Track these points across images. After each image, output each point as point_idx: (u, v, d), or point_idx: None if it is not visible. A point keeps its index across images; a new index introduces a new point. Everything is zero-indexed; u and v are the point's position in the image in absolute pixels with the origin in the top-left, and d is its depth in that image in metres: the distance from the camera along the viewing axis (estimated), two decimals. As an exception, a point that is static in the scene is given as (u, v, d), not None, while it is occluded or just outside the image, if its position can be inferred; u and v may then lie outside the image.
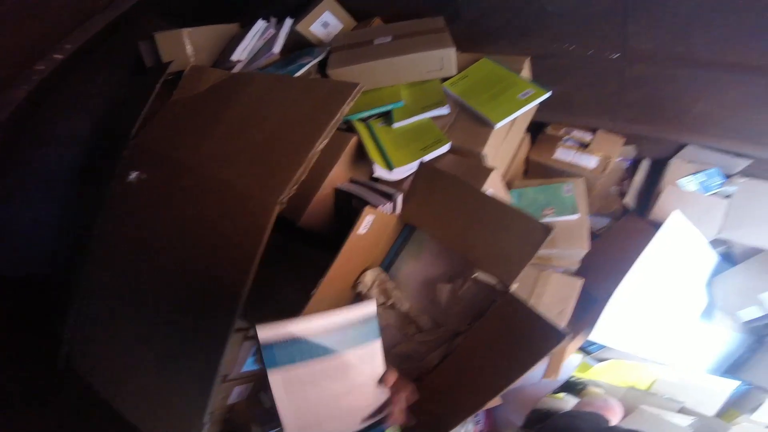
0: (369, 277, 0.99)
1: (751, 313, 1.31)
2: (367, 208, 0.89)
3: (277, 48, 1.39)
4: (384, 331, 0.99)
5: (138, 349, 1.13)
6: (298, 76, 1.23)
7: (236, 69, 1.40)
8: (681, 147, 1.46)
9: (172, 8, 1.73)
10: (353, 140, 1.07)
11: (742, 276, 1.35)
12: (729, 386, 1.36)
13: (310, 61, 1.28)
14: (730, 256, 1.42)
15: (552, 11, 1.22)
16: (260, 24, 1.50)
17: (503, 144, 1.22)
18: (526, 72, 1.29)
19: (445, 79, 1.26)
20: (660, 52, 1.20)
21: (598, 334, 1.25)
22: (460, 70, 1.27)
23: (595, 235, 1.52)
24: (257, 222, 0.96)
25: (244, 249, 0.96)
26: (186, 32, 1.47)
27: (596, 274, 1.37)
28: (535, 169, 1.52)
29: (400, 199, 1.01)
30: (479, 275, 0.88)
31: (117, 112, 1.49)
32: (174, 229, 1.10)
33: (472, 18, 1.36)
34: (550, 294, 1.25)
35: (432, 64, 1.23)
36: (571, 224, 1.29)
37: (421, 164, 0.86)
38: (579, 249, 1.28)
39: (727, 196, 1.41)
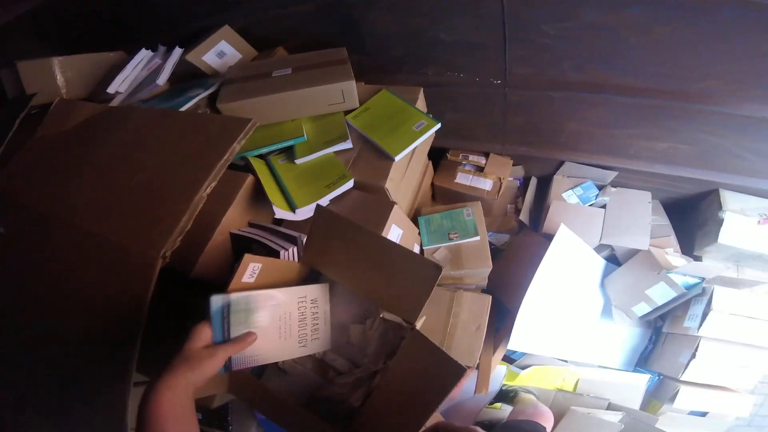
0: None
1: (643, 308, 1.38)
2: (246, 256, 0.75)
3: (163, 79, 1.20)
4: (302, 377, 0.89)
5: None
6: (184, 111, 1.06)
7: (114, 102, 1.18)
8: (560, 164, 1.55)
9: (52, 30, 1.46)
10: (249, 180, 0.93)
11: (627, 276, 1.43)
12: (642, 379, 1.42)
13: (200, 94, 1.11)
14: (615, 259, 1.50)
15: (444, 39, 1.21)
16: (143, 53, 1.29)
17: (405, 174, 1.15)
18: (421, 102, 1.25)
19: (347, 112, 1.17)
20: (535, 77, 1.24)
21: (515, 342, 1.27)
22: (363, 101, 1.19)
23: (499, 251, 1.56)
24: (139, 279, 0.78)
25: (129, 308, 0.77)
26: (56, 61, 1.21)
27: (506, 287, 1.41)
28: (441, 194, 1.51)
29: (303, 241, 0.90)
30: (386, 314, 0.83)
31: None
32: (45, 293, 0.87)
33: (375, 48, 1.31)
34: (466, 312, 1.23)
35: (333, 97, 1.13)
36: (475, 245, 1.29)
37: (318, 208, 0.77)
38: (484, 267, 1.28)
39: (603, 206, 1.51)
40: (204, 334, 0.64)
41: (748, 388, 1.36)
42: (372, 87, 1.26)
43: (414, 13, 1.18)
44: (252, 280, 0.80)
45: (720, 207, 1.41)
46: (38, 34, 1.42)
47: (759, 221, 1.38)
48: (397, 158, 1.05)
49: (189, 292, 0.94)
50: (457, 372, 0.66)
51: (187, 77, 1.26)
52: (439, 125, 1.12)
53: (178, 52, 1.29)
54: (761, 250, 1.38)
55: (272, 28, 1.37)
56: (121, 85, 1.22)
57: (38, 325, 0.86)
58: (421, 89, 1.25)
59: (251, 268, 0.77)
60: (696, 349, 1.29)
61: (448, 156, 1.56)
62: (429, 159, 1.42)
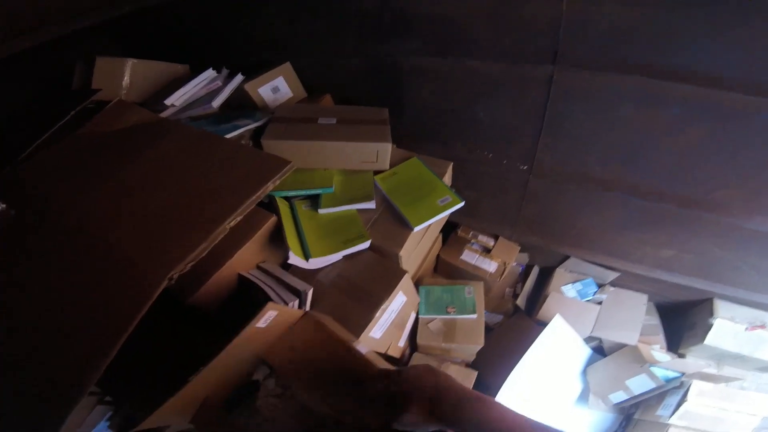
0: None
1: (619, 396, 1.36)
2: (270, 304, 0.71)
3: (218, 102, 1.18)
4: (278, 423, 0.80)
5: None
6: (228, 138, 1.02)
7: (165, 113, 1.15)
8: (565, 258, 1.50)
9: (133, 38, 1.49)
10: (271, 220, 0.87)
11: (610, 366, 1.40)
12: None
13: (248, 125, 1.07)
14: (600, 350, 1.47)
15: (482, 118, 1.19)
16: (209, 73, 1.27)
17: (419, 245, 1.09)
18: (448, 176, 1.21)
19: (377, 172, 1.13)
20: (560, 167, 1.21)
21: None
22: (393, 165, 1.15)
23: (489, 329, 1.49)
24: (137, 295, 0.72)
25: (116, 320, 0.71)
26: (130, 62, 1.21)
27: (491, 365, 1.36)
28: (444, 267, 1.44)
29: (309, 294, 0.84)
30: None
31: (16, 126, 1.17)
32: (33, 282, 0.81)
33: (412, 114, 1.28)
34: None
35: (368, 155, 1.09)
36: (470, 323, 1.23)
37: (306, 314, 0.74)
38: (475, 345, 1.22)
39: (599, 303, 1.47)
40: None
41: None
42: (403, 152, 1.22)
43: (456, 91, 1.17)
44: (265, 326, 0.75)
45: (711, 314, 1.40)
46: (121, 41, 1.45)
47: (747, 328, 1.37)
48: (416, 229, 1.00)
49: (176, 319, 0.88)
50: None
51: (238, 106, 1.23)
52: (462, 204, 1.06)
53: (239, 78, 1.27)
54: (744, 352, 1.37)
55: (325, 76, 1.36)
56: (179, 99, 1.19)
57: (23, 313, 0.80)
58: (451, 164, 1.20)
59: (268, 315, 0.72)
60: None
61: (458, 232, 1.50)
62: (440, 231, 1.37)
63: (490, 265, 1.41)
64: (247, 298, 0.85)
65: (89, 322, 0.74)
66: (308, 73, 1.36)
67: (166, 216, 0.82)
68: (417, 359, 1.23)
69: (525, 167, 1.26)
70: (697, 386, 1.26)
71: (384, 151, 1.09)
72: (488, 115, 1.19)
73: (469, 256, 1.43)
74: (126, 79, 1.23)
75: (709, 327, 1.38)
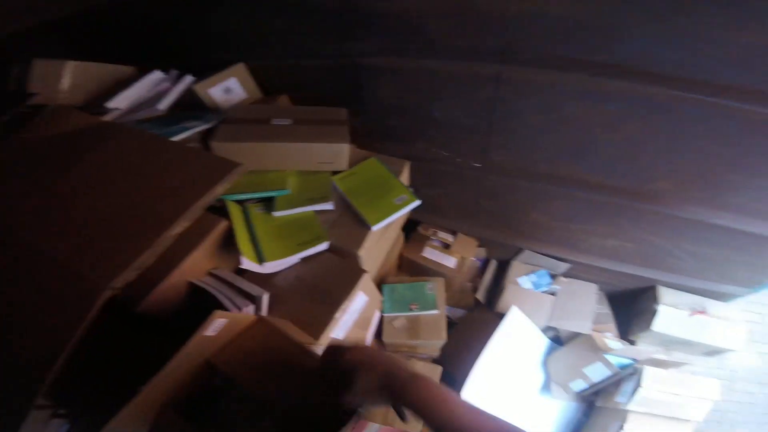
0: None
1: (579, 384, 1.41)
2: (217, 312, 0.70)
3: (165, 104, 1.12)
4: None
5: None
6: (175, 141, 0.97)
7: (109, 117, 1.09)
8: (519, 251, 1.56)
9: (78, 40, 1.39)
10: (222, 225, 0.83)
11: (568, 355, 1.45)
12: None
13: (196, 127, 1.03)
14: (558, 339, 1.52)
15: (437, 117, 1.20)
16: (156, 74, 1.22)
17: (378, 243, 1.10)
18: (405, 175, 1.22)
19: (335, 173, 1.12)
20: (510, 164, 1.24)
21: None
22: (352, 165, 1.14)
23: (452, 324, 1.51)
24: (81, 305, 0.69)
25: (59, 332, 0.67)
26: (71, 65, 1.14)
27: (456, 359, 1.38)
28: (407, 265, 1.46)
29: (265, 299, 0.82)
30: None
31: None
32: None
33: (372, 114, 1.28)
34: None
35: (325, 156, 1.08)
36: (432, 318, 1.25)
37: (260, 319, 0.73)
38: (439, 340, 1.25)
39: (553, 293, 1.53)
40: None
41: None
42: (362, 152, 1.22)
43: (414, 90, 1.18)
44: (214, 334, 0.72)
45: (656, 300, 1.48)
46: (65, 42, 1.36)
47: (690, 314, 1.46)
48: (374, 228, 1.00)
49: (129, 327, 0.85)
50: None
51: (188, 107, 1.18)
52: (418, 203, 1.08)
53: (189, 79, 1.23)
54: (689, 337, 1.45)
55: (282, 77, 1.34)
56: (122, 102, 1.13)
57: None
58: (408, 163, 1.21)
59: (217, 323, 0.70)
60: (624, 422, 1.32)
61: (420, 230, 1.53)
62: (401, 229, 1.39)
63: (450, 261, 1.44)
64: (201, 306, 0.83)
65: (34, 337, 0.71)
66: (265, 73, 1.33)
67: (110, 224, 0.79)
68: (383, 358, 1.23)
69: (478, 164, 1.29)
70: (649, 372, 1.30)
71: (342, 151, 1.09)
72: (443, 114, 1.20)
73: (430, 253, 1.45)
74: (65, 82, 1.15)
75: (655, 313, 1.45)
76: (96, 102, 1.16)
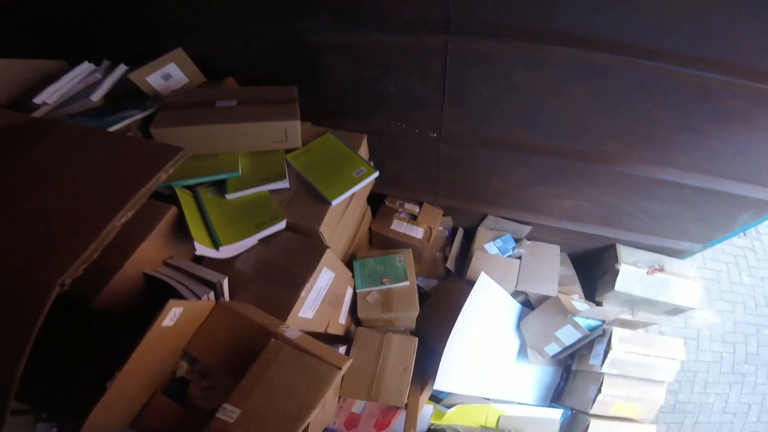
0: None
1: (553, 348, 1.44)
2: (171, 302, 0.68)
3: (97, 96, 1.06)
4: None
5: None
6: (113, 132, 0.92)
7: (38, 113, 1.02)
8: (484, 217, 1.59)
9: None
10: (171, 212, 0.81)
11: (539, 319, 1.48)
12: (557, 413, 1.44)
13: (134, 115, 0.98)
14: (528, 303, 1.56)
15: (392, 92, 1.20)
16: (85, 66, 1.15)
17: (342, 219, 1.09)
18: (363, 149, 1.21)
19: (289, 151, 1.09)
20: (467, 134, 1.26)
21: (440, 382, 1.26)
22: (306, 142, 1.12)
23: (426, 295, 1.54)
24: (30, 308, 0.66)
25: (14, 336, 0.65)
26: None
27: (432, 329, 1.40)
28: (377, 239, 1.47)
29: (225, 284, 0.81)
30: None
31: None
32: None
33: (326, 92, 1.26)
34: (395, 354, 1.22)
35: (276, 134, 1.05)
36: (404, 290, 1.26)
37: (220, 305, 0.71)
38: (412, 311, 1.26)
39: (519, 257, 1.57)
40: None
41: (650, 418, 1.43)
42: (318, 129, 1.20)
43: (367, 65, 1.17)
44: (172, 323, 0.71)
45: (617, 260, 1.53)
46: None
47: (648, 271, 1.52)
48: (334, 203, 0.99)
49: (87, 324, 0.82)
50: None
51: (126, 97, 1.12)
52: (377, 174, 1.08)
53: (121, 68, 1.16)
54: (650, 296, 1.51)
55: (227, 59, 1.29)
56: (51, 96, 1.06)
57: None
58: (365, 137, 1.21)
59: (173, 312, 0.69)
60: (601, 384, 1.35)
61: (386, 203, 1.53)
62: (369, 204, 1.38)
63: (418, 232, 1.46)
64: (161, 297, 0.81)
65: None
66: (210, 59, 1.27)
67: (52, 220, 0.74)
68: (360, 333, 1.24)
69: (435, 135, 1.30)
70: (617, 333, 1.34)
71: (293, 129, 1.07)
72: (397, 88, 1.20)
73: (398, 225, 1.46)
74: None
75: (617, 273, 1.51)
76: (23, 99, 1.08)
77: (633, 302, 1.62)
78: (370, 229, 1.45)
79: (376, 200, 1.47)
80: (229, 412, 0.69)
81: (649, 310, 1.68)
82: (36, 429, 0.97)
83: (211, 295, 0.78)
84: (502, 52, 1.02)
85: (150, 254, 0.79)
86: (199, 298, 0.76)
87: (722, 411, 1.73)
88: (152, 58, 1.21)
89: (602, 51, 0.95)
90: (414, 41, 1.08)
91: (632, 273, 1.51)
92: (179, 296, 0.76)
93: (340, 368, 0.74)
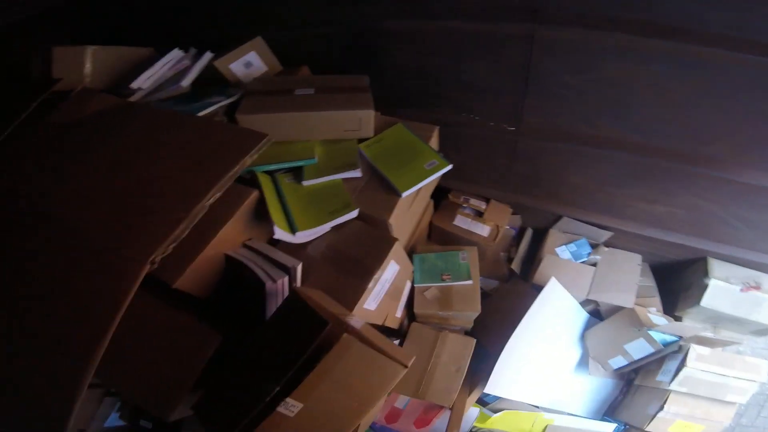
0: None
1: (619, 361, 1.35)
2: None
3: (187, 81, 1.12)
4: None
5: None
6: (201, 116, 0.98)
7: (133, 98, 1.10)
8: (557, 218, 1.49)
9: (86, 24, 1.41)
10: (253, 195, 0.84)
11: (608, 330, 1.38)
12: (609, 428, 1.36)
13: (220, 101, 1.03)
14: (597, 313, 1.46)
15: (465, 80, 1.16)
16: (175, 53, 1.22)
17: (409, 211, 1.08)
18: (434, 140, 1.18)
19: (361, 141, 1.09)
20: (547, 126, 1.19)
21: (492, 386, 1.22)
22: (377, 132, 1.11)
23: (486, 295, 1.48)
24: (119, 283, 0.70)
25: (102, 312, 0.70)
26: (90, 50, 1.15)
27: (488, 331, 1.35)
28: (438, 234, 1.43)
29: (299, 270, 0.82)
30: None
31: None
32: (10, 280, 0.78)
33: (393, 80, 1.25)
34: (448, 353, 1.19)
35: (350, 123, 1.05)
36: (466, 289, 1.22)
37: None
38: (472, 311, 1.22)
39: (594, 264, 1.45)
40: None
41: None
42: (387, 118, 1.19)
43: (436, 53, 1.14)
44: None
45: (706, 274, 1.39)
46: (70, 26, 1.37)
47: (741, 289, 1.36)
48: (404, 194, 0.98)
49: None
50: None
51: (210, 83, 1.18)
52: (450, 167, 1.04)
53: (208, 56, 1.22)
54: (739, 314, 1.36)
55: (301, 47, 1.32)
56: (145, 82, 1.14)
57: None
58: (437, 128, 1.18)
59: None
60: (665, 402, 1.26)
61: (450, 197, 1.48)
62: (431, 198, 1.36)
63: (483, 229, 1.40)
64: (239, 283, 0.83)
65: (76, 318, 0.72)
66: (284, 46, 1.31)
67: (143, 198, 0.80)
68: (415, 329, 1.23)
69: (512, 128, 1.24)
70: (695, 351, 1.24)
71: (367, 118, 1.06)
72: (471, 77, 1.16)
73: (462, 221, 1.41)
74: (88, 67, 1.17)
75: (705, 288, 1.36)
76: (119, 84, 1.18)
77: (717, 319, 1.45)
78: (430, 222, 1.42)
79: (439, 193, 1.43)
80: (290, 407, 0.69)
81: (733, 329, 1.50)
82: (103, 402, 1.07)
83: (284, 281, 0.80)
84: (594, 43, 0.96)
85: (231, 236, 0.83)
86: (274, 281, 0.78)
87: (781, 439, 1.53)
88: (224, 47, 1.26)
89: (712, 46, 0.87)
90: (493, 29, 1.03)
91: (723, 289, 1.35)
92: (256, 278, 0.78)
93: (406, 366, 0.72)
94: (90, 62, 1.17)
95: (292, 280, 0.81)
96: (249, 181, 0.93)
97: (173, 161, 0.85)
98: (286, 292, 0.80)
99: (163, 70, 1.19)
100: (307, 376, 0.67)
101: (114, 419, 1.14)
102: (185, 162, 0.84)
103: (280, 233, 0.83)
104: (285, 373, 0.68)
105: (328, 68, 1.28)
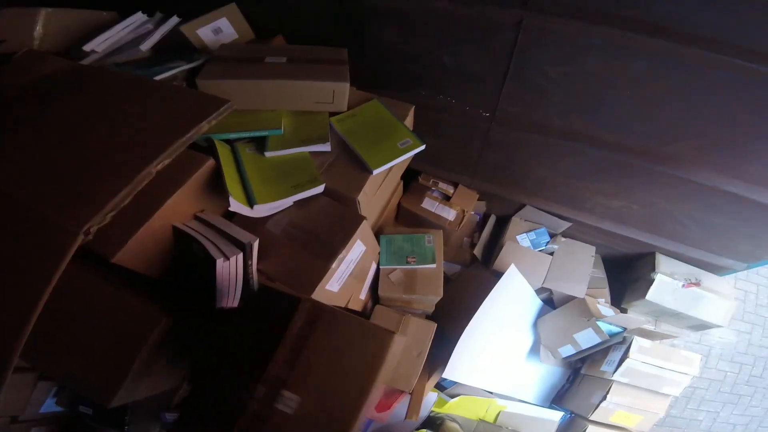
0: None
1: (568, 350, 1.37)
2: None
3: (147, 45, 1.02)
4: None
5: None
6: (158, 80, 0.87)
7: (86, 61, 0.99)
8: (521, 206, 1.49)
9: None
10: (208, 164, 0.75)
11: (560, 319, 1.40)
12: (557, 416, 1.40)
13: (181, 66, 0.93)
14: (551, 301, 1.47)
15: (446, 63, 1.11)
16: (137, 16, 1.10)
17: (379, 190, 1.01)
18: (409, 120, 1.11)
19: (333, 114, 1.01)
20: (521, 117, 1.16)
21: (450, 371, 1.22)
22: (351, 107, 1.03)
23: (448, 280, 1.46)
24: (48, 254, 0.63)
25: (31, 285, 0.63)
26: (44, 12, 1.04)
27: (449, 315, 1.34)
28: (405, 216, 1.38)
29: (255, 246, 0.75)
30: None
31: None
32: None
33: (374, 58, 1.18)
34: (410, 337, 1.17)
35: (323, 95, 0.97)
36: (430, 272, 1.19)
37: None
38: (435, 296, 1.19)
39: (551, 253, 1.47)
40: None
41: (645, 430, 1.38)
42: (363, 94, 1.10)
43: (422, 34, 1.08)
44: None
45: (653, 269, 1.44)
46: None
47: (684, 285, 1.43)
48: (375, 172, 0.90)
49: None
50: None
51: (175, 49, 1.07)
52: (423, 147, 0.97)
53: (174, 20, 1.09)
54: (680, 309, 1.43)
55: (279, 18, 1.22)
56: (100, 44, 1.02)
57: None
58: (413, 107, 1.10)
59: None
60: (608, 391, 1.31)
61: (420, 179, 1.44)
62: (400, 179, 1.30)
63: (450, 213, 1.37)
64: (187, 258, 0.77)
65: (6, 291, 0.65)
66: (261, 16, 1.21)
67: (85, 165, 0.70)
68: (379, 311, 1.18)
69: (487, 114, 1.20)
70: (638, 343, 1.27)
71: (341, 91, 0.98)
72: (453, 60, 1.11)
73: (430, 204, 1.37)
74: (38, 30, 1.05)
75: (651, 282, 1.41)
76: (73, 47, 1.07)
77: (659, 313, 1.51)
78: (399, 204, 1.37)
79: (409, 175, 1.38)
80: (287, 401, 0.63)
81: (673, 323, 1.58)
82: (36, 387, 1.02)
83: (238, 258, 0.74)
84: (580, 35, 0.93)
85: (181, 206, 0.74)
86: (227, 258, 0.72)
87: (708, 429, 1.71)
88: (199, 14, 1.15)
89: (693, 46, 0.86)
90: (481, 12, 0.98)
91: (667, 284, 1.41)
92: (206, 253, 0.72)
93: (393, 332, 0.67)
94: (42, 25, 1.05)
95: (247, 257, 0.74)
96: (207, 150, 0.84)
97: (124, 127, 0.75)
98: (240, 271, 0.74)
99: (121, 34, 1.06)
100: (298, 358, 0.62)
101: (51, 405, 1.07)
102: (136, 127, 0.74)
103: (236, 205, 0.74)
104: (266, 365, 0.63)
105: (309, 41, 1.18)
